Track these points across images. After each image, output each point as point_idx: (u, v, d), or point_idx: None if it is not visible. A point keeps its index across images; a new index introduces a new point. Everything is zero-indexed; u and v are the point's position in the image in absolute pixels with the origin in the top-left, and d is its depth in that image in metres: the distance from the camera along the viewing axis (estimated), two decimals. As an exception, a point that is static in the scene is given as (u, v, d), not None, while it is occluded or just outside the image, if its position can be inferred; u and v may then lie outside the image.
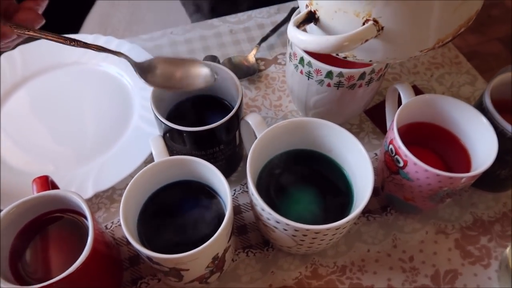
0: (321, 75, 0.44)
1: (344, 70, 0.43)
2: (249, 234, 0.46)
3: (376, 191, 0.49)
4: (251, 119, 0.42)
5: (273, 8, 0.70)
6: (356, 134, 0.54)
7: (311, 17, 0.37)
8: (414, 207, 0.44)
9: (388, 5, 0.32)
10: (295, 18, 0.36)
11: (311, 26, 0.38)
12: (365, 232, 0.47)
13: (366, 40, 0.34)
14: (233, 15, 0.70)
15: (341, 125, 0.42)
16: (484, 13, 1.85)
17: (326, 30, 0.37)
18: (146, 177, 0.39)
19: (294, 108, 0.57)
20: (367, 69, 0.43)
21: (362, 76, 0.44)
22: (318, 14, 0.36)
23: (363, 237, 0.46)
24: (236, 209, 0.48)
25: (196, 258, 0.35)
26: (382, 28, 0.34)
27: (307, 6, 0.36)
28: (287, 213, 0.37)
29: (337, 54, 0.39)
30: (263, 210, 0.36)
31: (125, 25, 1.17)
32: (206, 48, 0.65)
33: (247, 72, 0.61)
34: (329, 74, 0.44)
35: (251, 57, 0.62)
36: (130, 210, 0.38)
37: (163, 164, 0.39)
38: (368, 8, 0.33)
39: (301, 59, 0.45)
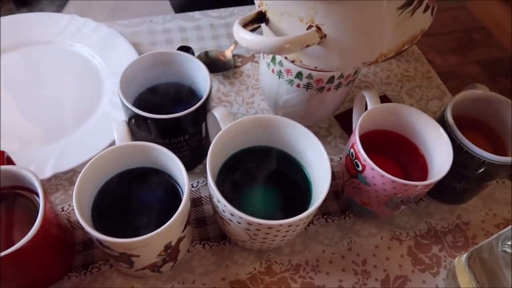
0: (291, 75, 0.45)
1: (313, 72, 0.44)
2: (208, 226, 0.46)
3: (336, 194, 0.50)
4: (218, 112, 0.42)
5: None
6: (324, 137, 0.56)
7: (261, 18, 0.37)
8: (371, 212, 0.45)
9: (329, 13, 0.33)
10: (243, 16, 0.37)
11: (264, 27, 0.39)
12: (322, 233, 0.47)
13: (308, 46, 0.35)
14: (216, 10, 0.70)
15: (310, 127, 0.42)
16: (467, 36, 1.91)
17: (275, 32, 0.37)
18: (105, 161, 0.38)
19: (265, 106, 0.58)
20: (336, 73, 0.44)
21: (331, 80, 0.45)
22: (268, 15, 0.37)
23: (319, 238, 0.47)
24: (197, 201, 0.48)
25: (146, 245, 0.34)
26: (325, 35, 0.35)
27: (259, 6, 0.37)
28: (245, 207, 0.37)
29: (286, 58, 0.40)
30: (218, 201, 0.36)
31: (109, 12, 1.15)
32: (185, 40, 0.65)
33: (223, 67, 0.61)
34: (299, 75, 0.44)
35: (228, 53, 0.62)
36: (86, 193, 0.38)
37: (123, 149, 0.39)
38: (311, 14, 0.34)
39: (273, 58, 0.46)
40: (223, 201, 0.35)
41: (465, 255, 0.42)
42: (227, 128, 0.40)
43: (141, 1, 1.17)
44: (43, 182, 0.48)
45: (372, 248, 0.47)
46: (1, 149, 0.41)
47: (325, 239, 0.47)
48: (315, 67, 0.40)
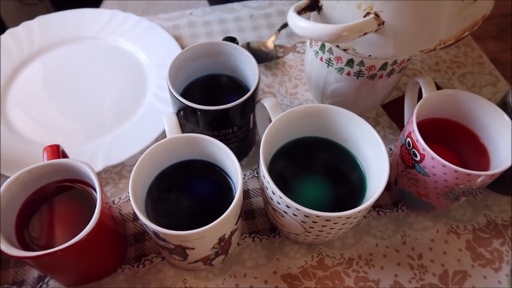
0: (341, 62, 0.43)
1: (365, 59, 0.42)
2: (257, 219, 0.46)
3: (388, 186, 0.48)
4: (267, 102, 0.41)
5: (295, -4, 0.69)
6: (371, 127, 0.54)
7: (314, 5, 0.36)
8: (427, 204, 0.43)
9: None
10: (297, 4, 0.35)
11: (315, 15, 0.38)
12: (374, 226, 0.46)
13: (365, 33, 0.33)
14: (254, 1, 0.69)
15: (357, 117, 0.41)
16: (506, 21, 1.82)
17: (328, 20, 0.36)
18: (156, 153, 0.38)
19: (310, 97, 0.56)
20: (390, 59, 0.42)
21: (384, 66, 0.43)
22: (322, 2, 0.35)
23: (372, 231, 0.45)
24: (245, 194, 0.48)
25: (202, 237, 0.34)
26: (383, 23, 0.33)
27: None
28: (298, 199, 0.36)
29: (338, 46, 0.39)
30: (273, 193, 0.35)
31: (144, 6, 1.16)
32: (225, 31, 0.64)
33: (265, 58, 0.60)
34: (350, 62, 0.43)
35: (270, 43, 0.61)
36: (139, 185, 0.38)
37: (174, 141, 0.39)
38: (370, 1, 0.32)
39: (322, 46, 0.44)
40: (278, 192, 0.35)
41: (531, 250, 0.40)
42: (278, 118, 0.39)
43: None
44: (94, 176, 0.48)
45: (427, 242, 0.45)
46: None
47: (378, 232, 0.45)
48: (369, 56, 0.38)
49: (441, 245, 0.45)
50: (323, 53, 0.44)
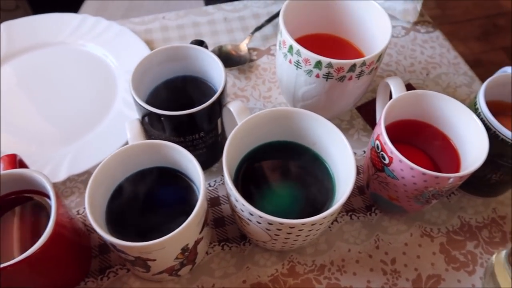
0: (309, 65, 0.43)
1: (333, 61, 0.41)
2: (227, 227, 0.44)
3: (361, 190, 0.48)
4: (233, 106, 0.40)
5: (270, -1, 0.68)
6: (346, 130, 0.53)
7: None
8: (399, 207, 0.42)
9: None
10: None
11: None
12: (347, 231, 0.45)
13: None
14: (229, 3, 0.68)
15: (331, 120, 0.40)
16: (490, 22, 1.83)
17: None
18: (117, 162, 0.37)
19: (283, 100, 0.55)
20: (358, 61, 0.41)
21: (352, 68, 0.42)
22: None
23: (345, 236, 0.44)
24: (215, 201, 0.46)
25: (162, 248, 0.33)
26: None
27: None
28: (265, 206, 0.35)
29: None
30: (236, 201, 0.34)
31: (123, 12, 1.14)
32: (198, 35, 0.63)
33: (238, 61, 0.59)
34: (318, 64, 0.42)
35: (243, 46, 0.60)
36: (99, 195, 0.36)
37: (136, 148, 0.37)
38: None
39: (290, 48, 0.43)
40: (241, 199, 0.33)
41: (504, 252, 0.39)
42: (243, 123, 0.38)
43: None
44: (58, 185, 0.47)
45: (401, 246, 0.44)
46: (15, 152, 0.40)
47: (351, 237, 0.44)
48: None
49: (415, 249, 0.44)
50: (292, 55, 0.44)
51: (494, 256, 0.41)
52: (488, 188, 0.45)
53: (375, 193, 0.43)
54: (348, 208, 0.46)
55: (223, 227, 0.44)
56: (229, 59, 0.58)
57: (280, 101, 0.56)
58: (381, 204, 0.45)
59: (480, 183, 0.44)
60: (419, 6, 0.64)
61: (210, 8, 0.67)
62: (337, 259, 0.43)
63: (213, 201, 0.46)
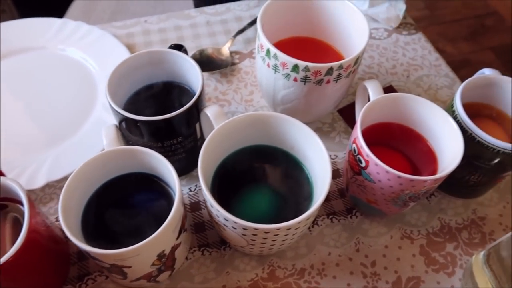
0: (287, 68, 0.43)
1: (310, 64, 0.41)
2: (207, 232, 0.44)
3: (342, 193, 0.48)
4: (210, 111, 0.40)
5: (253, 2, 0.68)
6: (327, 133, 0.53)
7: None
8: (378, 210, 0.42)
9: None
10: None
11: None
12: (327, 234, 0.45)
13: None
14: (211, 7, 0.68)
15: (312, 123, 0.40)
16: (478, 22, 1.85)
17: None
18: (92, 168, 0.37)
19: (265, 103, 0.55)
20: (335, 65, 0.41)
21: (330, 71, 0.42)
22: None
23: (325, 239, 0.44)
24: (195, 206, 0.46)
25: (137, 255, 0.32)
26: None
27: None
28: (243, 211, 0.35)
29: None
30: (212, 206, 0.34)
31: (110, 15, 1.14)
32: (180, 39, 0.63)
33: (220, 65, 0.58)
34: (295, 68, 0.42)
35: (225, 50, 0.60)
36: (74, 202, 0.36)
37: (111, 154, 0.37)
38: None
39: (268, 51, 0.43)
40: (215, 205, 0.33)
41: (482, 253, 0.39)
42: (219, 128, 0.38)
43: (141, 1, 1.15)
44: (37, 192, 0.46)
45: (381, 249, 0.44)
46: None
47: (331, 241, 0.44)
48: None
49: (395, 251, 0.44)
50: (269, 59, 0.44)
51: (473, 257, 0.41)
52: (467, 190, 0.46)
53: (354, 196, 0.43)
54: (328, 211, 0.46)
55: (203, 232, 0.44)
56: (211, 63, 0.58)
57: (262, 105, 0.56)
58: (361, 207, 0.45)
59: (459, 184, 0.45)
60: (401, 14, 0.64)
61: (193, 11, 0.67)
62: (317, 263, 0.43)
63: (194, 206, 0.46)
